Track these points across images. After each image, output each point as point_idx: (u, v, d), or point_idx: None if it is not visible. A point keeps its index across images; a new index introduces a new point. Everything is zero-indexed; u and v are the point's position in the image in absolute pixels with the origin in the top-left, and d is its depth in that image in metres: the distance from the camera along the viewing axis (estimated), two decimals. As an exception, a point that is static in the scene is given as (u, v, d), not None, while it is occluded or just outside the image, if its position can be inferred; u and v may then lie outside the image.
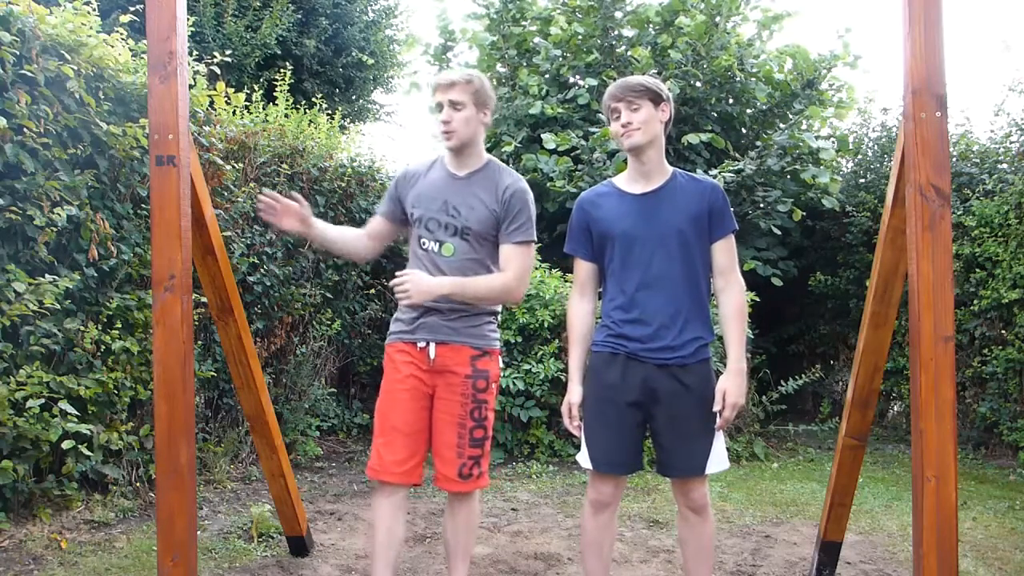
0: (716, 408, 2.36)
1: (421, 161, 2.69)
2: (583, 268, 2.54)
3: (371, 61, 11.62)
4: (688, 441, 2.37)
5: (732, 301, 2.42)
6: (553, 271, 5.63)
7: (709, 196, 2.41)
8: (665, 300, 2.36)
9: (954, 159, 6.61)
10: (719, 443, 2.40)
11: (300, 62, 10.35)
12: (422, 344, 2.50)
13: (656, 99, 2.39)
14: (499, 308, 2.65)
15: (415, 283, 2.39)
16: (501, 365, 2.62)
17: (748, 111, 7.31)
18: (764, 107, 7.23)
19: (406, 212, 2.62)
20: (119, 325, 3.68)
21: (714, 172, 6.14)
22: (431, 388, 2.52)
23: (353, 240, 2.69)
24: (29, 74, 3.20)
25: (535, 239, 2.57)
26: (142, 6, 2.43)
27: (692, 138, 6.44)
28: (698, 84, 6.90)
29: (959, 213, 6.01)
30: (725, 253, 2.43)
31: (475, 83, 2.48)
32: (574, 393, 2.48)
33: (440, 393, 2.51)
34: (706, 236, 2.41)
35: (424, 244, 2.53)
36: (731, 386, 2.34)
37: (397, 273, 2.45)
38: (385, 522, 2.50)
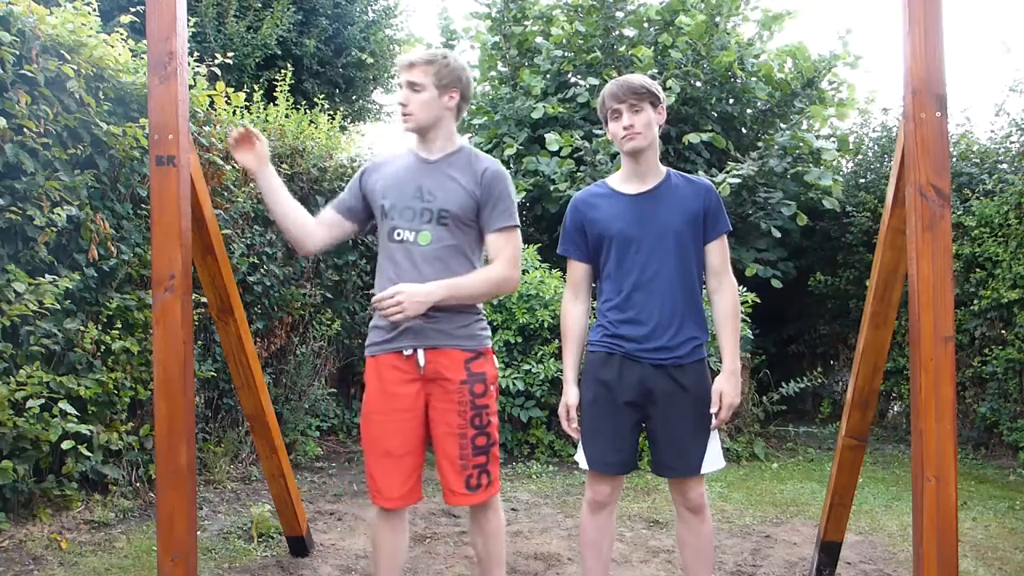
0: (713, 410, 2.37)
1: (389, 152, 2.46)
2: (577, 269, 2.54)
3: (371, 61, 11.63)
4: (684, 441, 2.38)
5: (726, 302, 2.43)
6: (553, 271, 5.63)
7: (704, 197, 2.41)
8: (661, 300, 2.36)
9: (954, 159, 6.61)
10: (714, 442, 2.41)
11: (300, 62, 10.35)
12: (408, 351, 2.28)
13: (655, 101, 2.39)
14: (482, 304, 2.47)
15: (409, 295, 2.18)
16: (498, 364, 2.48)
17: (748, 111, 7.32)
18: (764, 107, 7.23)
19: (370, 207, 2.40)
20: (119, 325, 3.68)
21: (720, 176, 6.11)
22: (424, 398, 2.32)
23: (304, 220, 2.40)
24: (29, 74, 3.20)
25: (519, 223, 2.38)
26: (142, 6, 2.44)
27: (692, 137, 6.42)
28: (698, 84, 6.90)
29: (959, 213, 6.00)
30: (719, 254, 2.44)
31: (437, 63, 2.27)
32: (571, 395, 2.48)
33: (435, 403, 2.31)
34: (701, 236, 2.41)
35: (398, 235, 2.30)
36: (727, 387, 2.36)
37: (378, 290, 2.25)
38: (387, 544, 2.42)
